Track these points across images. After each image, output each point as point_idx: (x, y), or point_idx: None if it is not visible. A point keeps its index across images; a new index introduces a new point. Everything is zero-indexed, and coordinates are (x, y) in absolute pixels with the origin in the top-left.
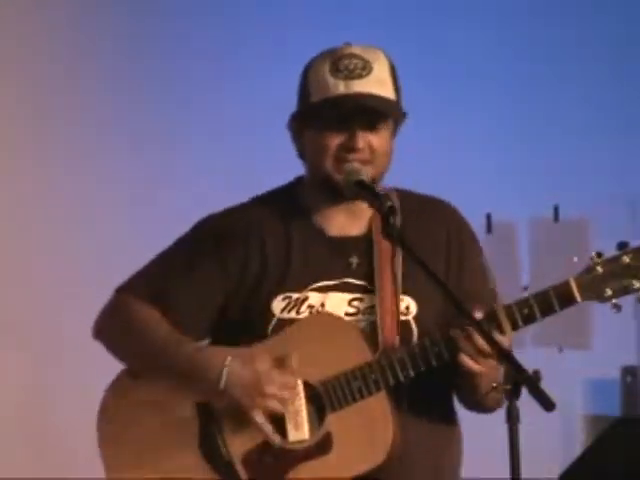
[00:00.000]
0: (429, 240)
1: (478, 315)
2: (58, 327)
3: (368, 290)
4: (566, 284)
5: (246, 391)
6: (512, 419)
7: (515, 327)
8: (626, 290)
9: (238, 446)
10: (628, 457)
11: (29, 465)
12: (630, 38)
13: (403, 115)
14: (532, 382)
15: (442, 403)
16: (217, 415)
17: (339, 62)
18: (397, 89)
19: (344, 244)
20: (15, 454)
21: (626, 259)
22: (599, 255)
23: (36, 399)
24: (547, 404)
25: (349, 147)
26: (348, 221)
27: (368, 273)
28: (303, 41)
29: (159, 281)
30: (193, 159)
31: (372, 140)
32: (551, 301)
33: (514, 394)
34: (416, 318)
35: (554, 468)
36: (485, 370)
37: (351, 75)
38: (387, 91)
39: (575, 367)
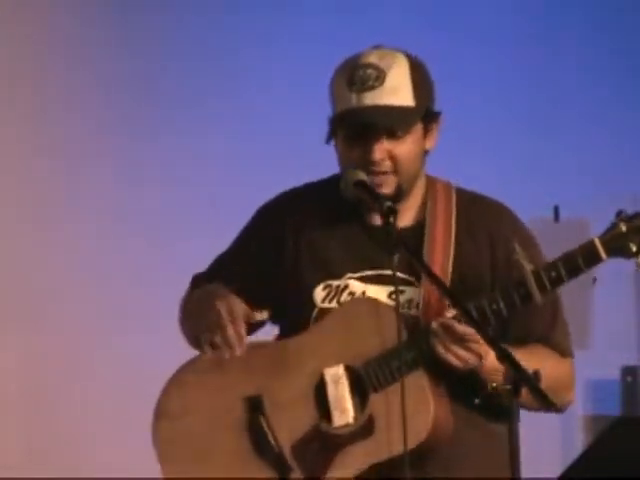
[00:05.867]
0: (475, 240)
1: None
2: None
3: (410, 283)
4: (591, 243)
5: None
6: (512, 419)
7: (544, 292)
8: None
9: (285, 434)
10: (628, 457)
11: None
12: (631, 38)
13: (432, 115)
14: (532, 382)
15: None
16: (264, 407)
17: (355, 73)
18: (421, 90)
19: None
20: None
21: None
22: (621, 213)
23: (35, 395)
24: (547, 404)
25: (366, 160)
26: None
27: (412, 265)
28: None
29: (211, 268)
30: (193, 158)
31: (393, 149)
32: (577, 261)
33: (514, 394)
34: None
35: (554, 468)
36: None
37: (364, 87)
38: (402, 98)
39: (575, 367)
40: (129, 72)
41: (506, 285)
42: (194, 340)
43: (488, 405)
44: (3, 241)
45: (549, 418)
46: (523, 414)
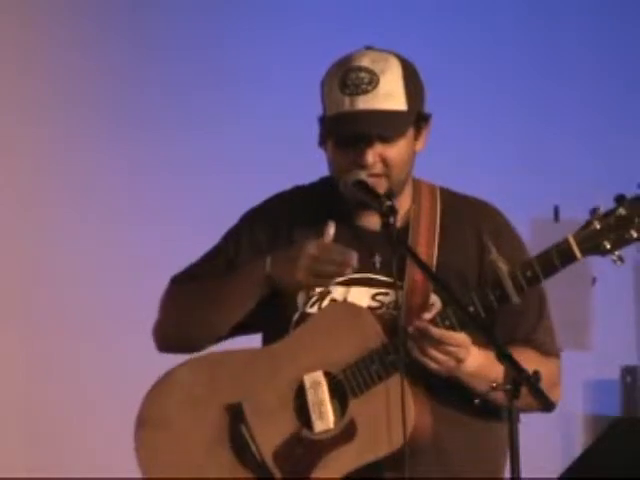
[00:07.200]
0: (463, 241)
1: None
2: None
3: (393, 285)
4: (565, 242)
5: (289, 263)
6: (512, 419)
7: (521, 291)
8: (625, 241)
9: (267, 442)
10: (628, 457)
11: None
12: (631, 39)
13: (423, 118)
14: (532, 382)
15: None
16: (245, 414)
17: (347, 76)
18: (413, 93)
19: (371, 238)
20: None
21: (622, 211)
22: (595, 211)
23: (35, 394)
24: (547, 404)
25: (359, 164)
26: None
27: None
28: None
29: (196, 266)
30: (192, 156)
31: (385, 152)
32: (552, 260)
33: (514, 394)
34: None
35: (554, 468)
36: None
37: (357, 91)
38: (395, 103)
39: (575, 367)
40: (127, 73)
41: (482, 287)
42: (205, 328)
43: (488, 405)
44: (3, 241)
45: (549, 418)
46: (523, 414)
